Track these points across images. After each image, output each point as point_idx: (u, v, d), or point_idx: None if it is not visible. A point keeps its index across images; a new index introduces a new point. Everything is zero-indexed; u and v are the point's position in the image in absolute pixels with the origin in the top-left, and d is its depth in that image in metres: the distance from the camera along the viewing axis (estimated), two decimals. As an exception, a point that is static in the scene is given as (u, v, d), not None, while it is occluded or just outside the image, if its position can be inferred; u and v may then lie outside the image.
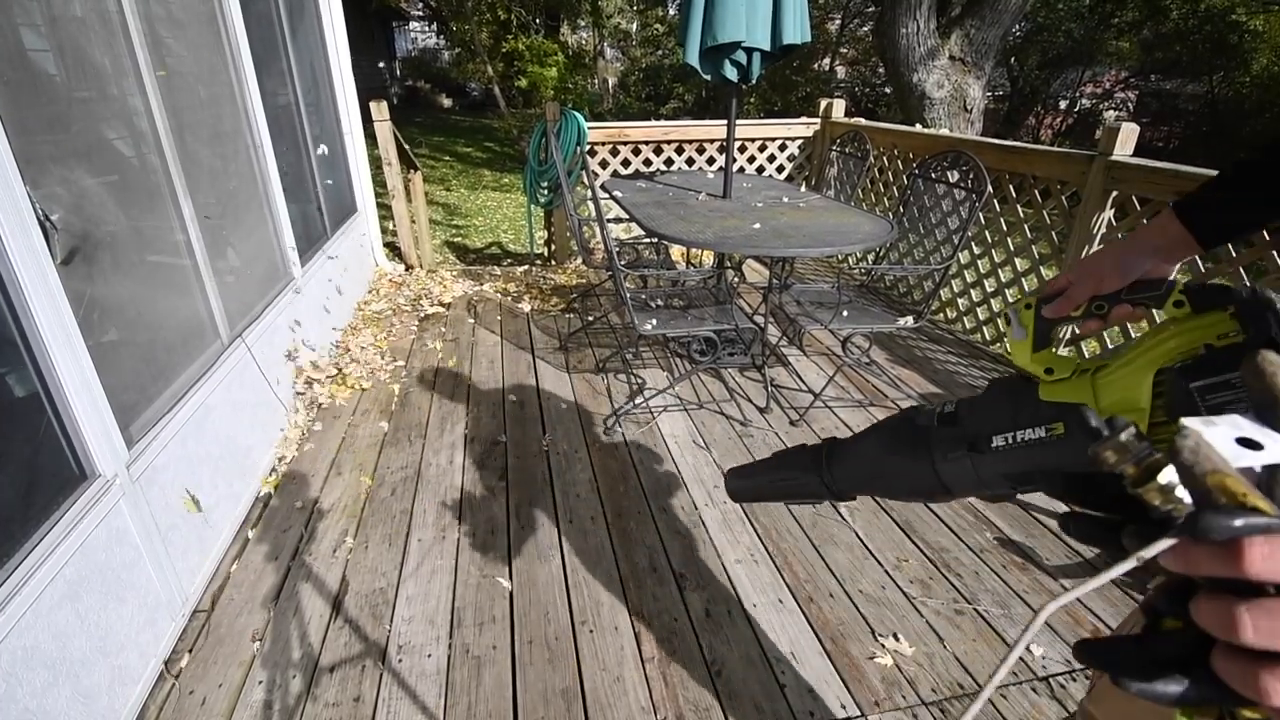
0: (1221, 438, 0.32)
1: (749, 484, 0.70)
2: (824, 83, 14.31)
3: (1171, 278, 0.67)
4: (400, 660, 1.52)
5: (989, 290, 3.25)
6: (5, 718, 1.07)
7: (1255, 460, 0.31)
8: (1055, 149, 2.87)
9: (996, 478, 0.50)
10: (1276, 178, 0.74)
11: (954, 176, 2.70)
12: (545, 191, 4.06)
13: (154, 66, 1.80)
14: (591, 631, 1.60)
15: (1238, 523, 0.30)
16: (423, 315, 3.62)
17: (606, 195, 2.95)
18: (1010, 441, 0.48)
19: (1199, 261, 2.28)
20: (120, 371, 1.54)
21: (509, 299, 3.83)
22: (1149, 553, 0.31)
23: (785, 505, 2.05)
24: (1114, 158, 2.52)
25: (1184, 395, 0.45)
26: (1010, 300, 3.10)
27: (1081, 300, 0.69)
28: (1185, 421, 0.31)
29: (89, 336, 1.37)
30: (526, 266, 4.51)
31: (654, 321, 2.39)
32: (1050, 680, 1.48)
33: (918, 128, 4.08)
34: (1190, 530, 0.30)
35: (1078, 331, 0.70)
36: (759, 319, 2.96)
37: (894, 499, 0.62)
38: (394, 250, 4.55)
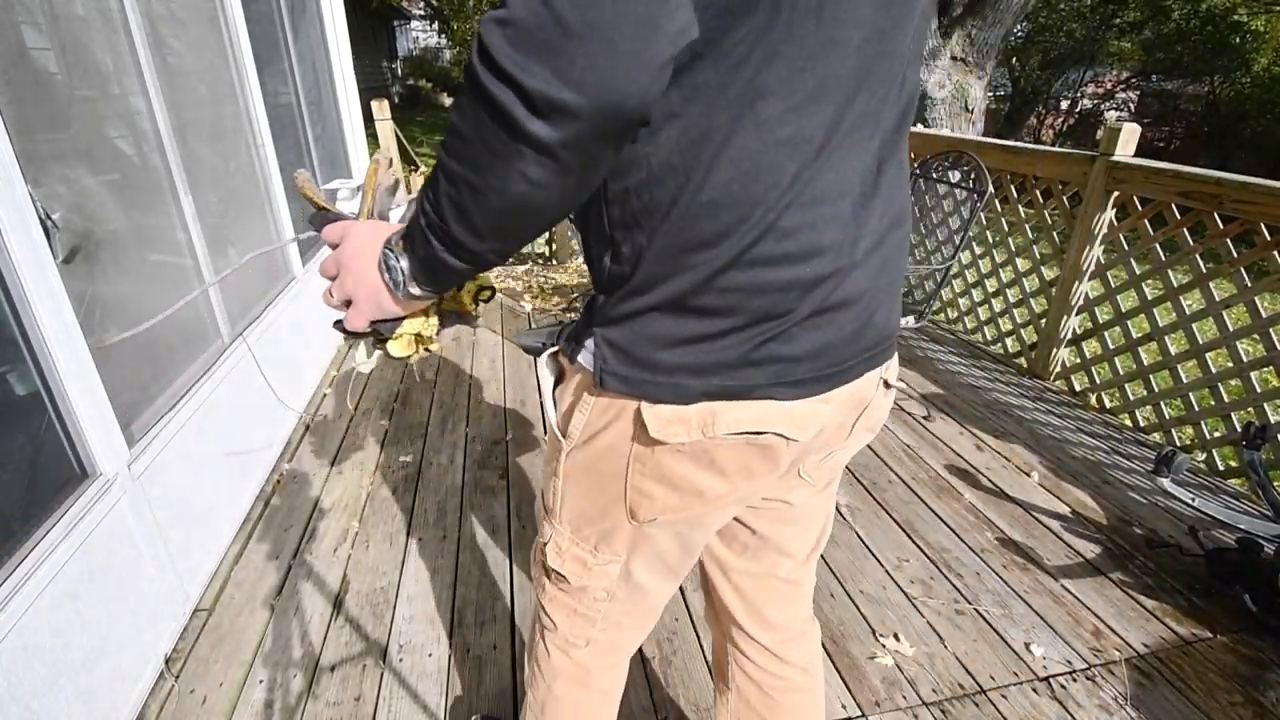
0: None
1: None
2: (825, 82, 14.26)
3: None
4: (401, 659, 1.52)
5: (990, 291, 3.25)
6: (6, 716, 1.07)
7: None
8: (1056, 149, 2.87)
9: None
10: None
11: (955, 176, 2.70)
12: (546, 191, 4.05)
13: (155, 65, 1.80)
14: (592, 631, 1.60)
15: (312, 214, 0.71)
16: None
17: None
18: None
19: (1199, 261, 2.28)
20: (121, 370, 1.54)
21: (510, 298, 3.83)
22: (303, 235, 0.82)
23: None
24: (1115, 158, 2.51)
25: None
26: (1011, 299, 3.10)
27: None
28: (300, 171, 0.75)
29: (90, 335, 1.37)
30: (528, 265, 4.51)
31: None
32: (1050, 680, 1.48)
33: (919, 128, 4.08)
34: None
35: None
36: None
37: None
38: (395, 249, 4.54)
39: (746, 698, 0.94)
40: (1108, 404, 2.68)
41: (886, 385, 0.72)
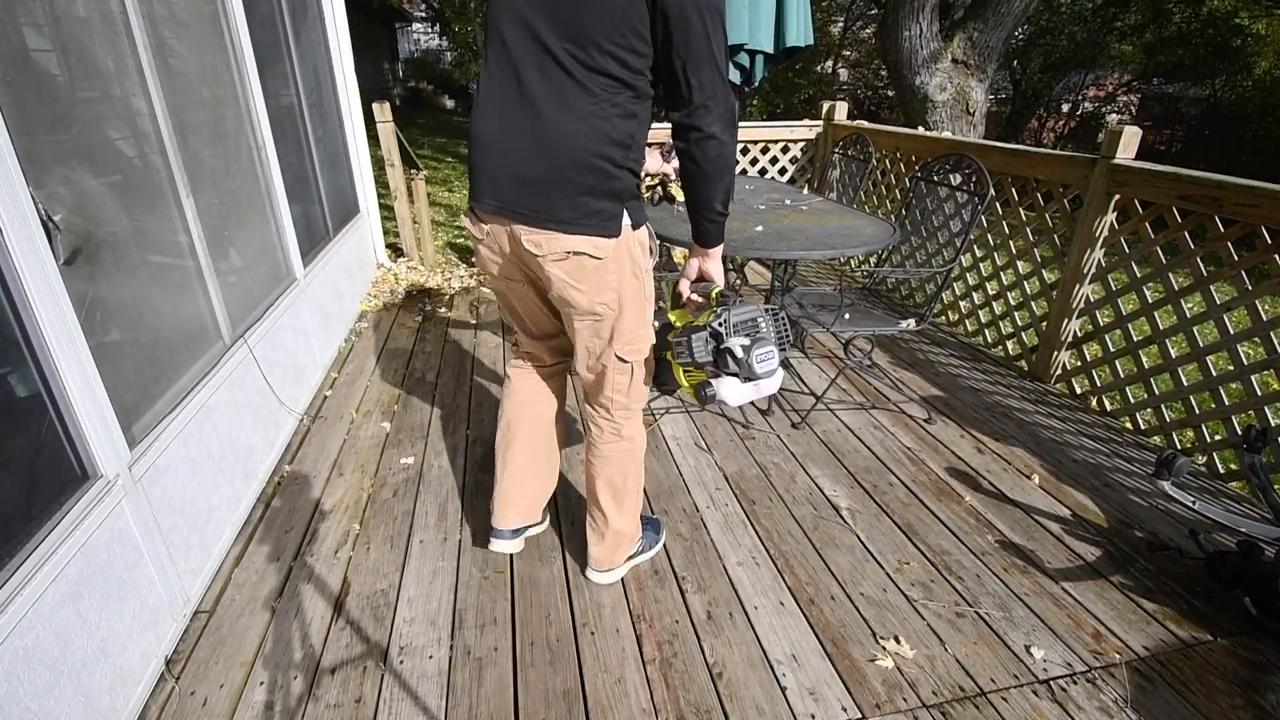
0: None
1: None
2: (827, 85, 14.31)
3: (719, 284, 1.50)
4: (402, 661, 1.52)
5: (991, 293, 3.25)
6: (7, 718, 1.07)
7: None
8: (1057, 152, 2.87)
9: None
10: None
11: (956, 179, 2.70)
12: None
13: (157, 67, 1.81)
14: (593, 633, 1.60)
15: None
16: (425, 316, 3.62)
17: (608, 197, 2.95)
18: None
19: (1200, 264, 2.28)
20: (122, 372, 1.54)
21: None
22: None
23: (787, 509, 2.05)
24: (1116, 161, 2.51)
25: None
26: (1012, 302, 3.10)
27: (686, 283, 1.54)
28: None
29: (91, 336, 1.37)
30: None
31: (656, 324, 2.39)
32: (1051, 683, 1.48)
33: (920, 130, 4.08)
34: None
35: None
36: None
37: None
38: (396, 251, 4.55)
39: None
40: (1108, 407, 2.68)
41: (528, 246, 1.28)
